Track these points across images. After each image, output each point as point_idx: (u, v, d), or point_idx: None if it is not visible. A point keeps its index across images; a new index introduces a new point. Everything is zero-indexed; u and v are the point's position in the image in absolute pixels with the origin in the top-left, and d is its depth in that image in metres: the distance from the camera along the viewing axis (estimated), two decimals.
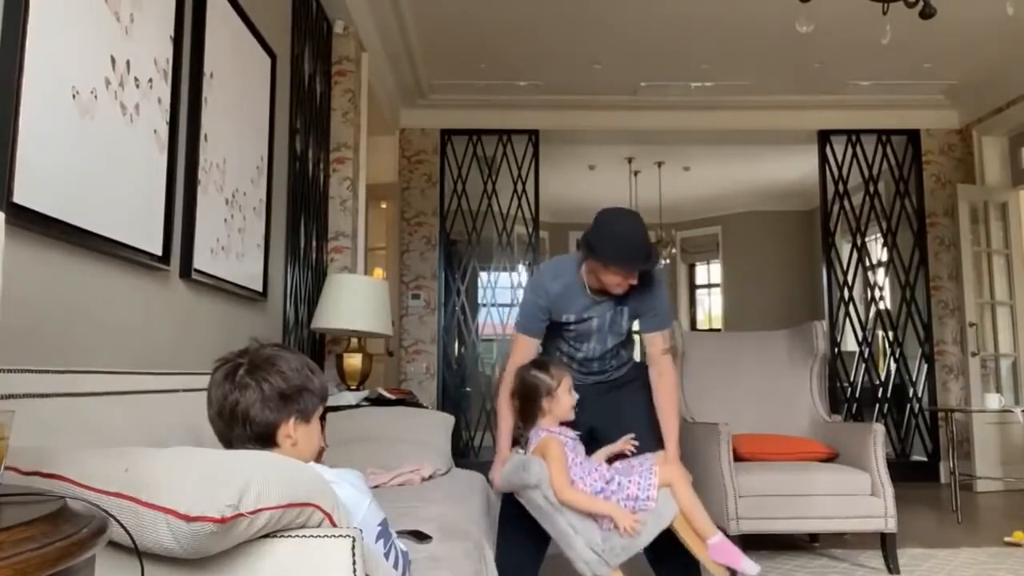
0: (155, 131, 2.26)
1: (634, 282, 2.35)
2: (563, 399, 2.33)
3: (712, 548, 2.27)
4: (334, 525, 1.23)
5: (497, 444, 2.49)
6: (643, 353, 2.61)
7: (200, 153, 2.55)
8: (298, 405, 1.45)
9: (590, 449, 2.53)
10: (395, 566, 1.40)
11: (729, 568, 2.30)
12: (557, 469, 2.21)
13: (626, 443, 2.42)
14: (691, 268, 10.92)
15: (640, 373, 2.66)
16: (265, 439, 1.43)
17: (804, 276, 9.34)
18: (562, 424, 2.35)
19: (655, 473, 2.26)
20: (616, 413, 2.60)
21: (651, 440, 2.55)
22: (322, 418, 1.52)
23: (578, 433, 2.38)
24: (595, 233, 2.35)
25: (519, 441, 2.42)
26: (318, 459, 1.51)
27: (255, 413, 1.41)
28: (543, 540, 2.51)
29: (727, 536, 2.34)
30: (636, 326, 2.61)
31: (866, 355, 6.35)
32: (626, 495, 2.24)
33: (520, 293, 6.54)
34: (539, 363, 2.40)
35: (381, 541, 1.40)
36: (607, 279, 2.35)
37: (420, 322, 6.36)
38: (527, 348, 2.50)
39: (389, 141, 6.30)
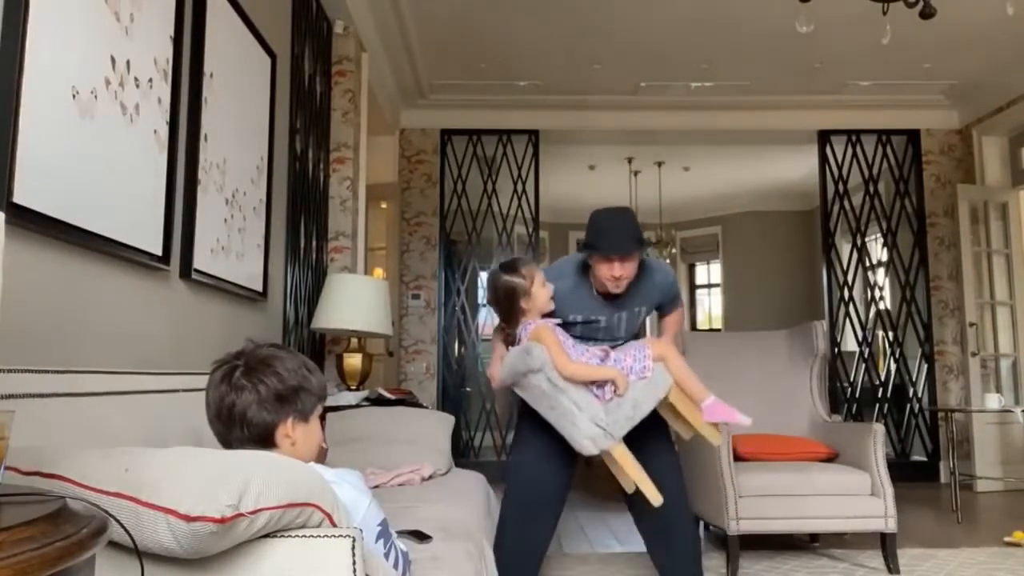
0: (155, 131, 2.26)
1: (627, 274, 2.35)
2: (539, 294, 2.37)
3: (707, 410, 2.35)
4: (334, 525, 1.23)
5: (494, 349, 2.53)
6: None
7: (200, 153, 2.55)
8: (296, 405, 1.45)
9: None
10: (395, 566, 1.40)
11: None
12: (556, 349, 2.27)
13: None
14: (691, 268, 10.93)
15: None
16: (264, 440, 1.43)
17: (804, 276, 9.34)
18: (544, 316, 2.40)
19: (649, 346, 2.35)
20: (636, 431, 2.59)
21: (672, 465, 2.55)
22: (322, 418, 1.52)
23: (559, 320, 2.43)
24: (588, 231, 2.42)
25: (510, 343, 2.46)
26: (321, 460, 1.51)
27: (252, 414, 1.41)
28: (543, 540, 2.51)
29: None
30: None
31: (866, 355, 6.35)
32: (622, 368, 2.30)
33: None
34: (507, 266, 2.44)
35: (381, 541, 1.40)
36: (602, 274, 2.37)
37: (420, 322, 6.36)
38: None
39: (389, 141, 6.29)
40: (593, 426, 2.21)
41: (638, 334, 2.69)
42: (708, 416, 2.35)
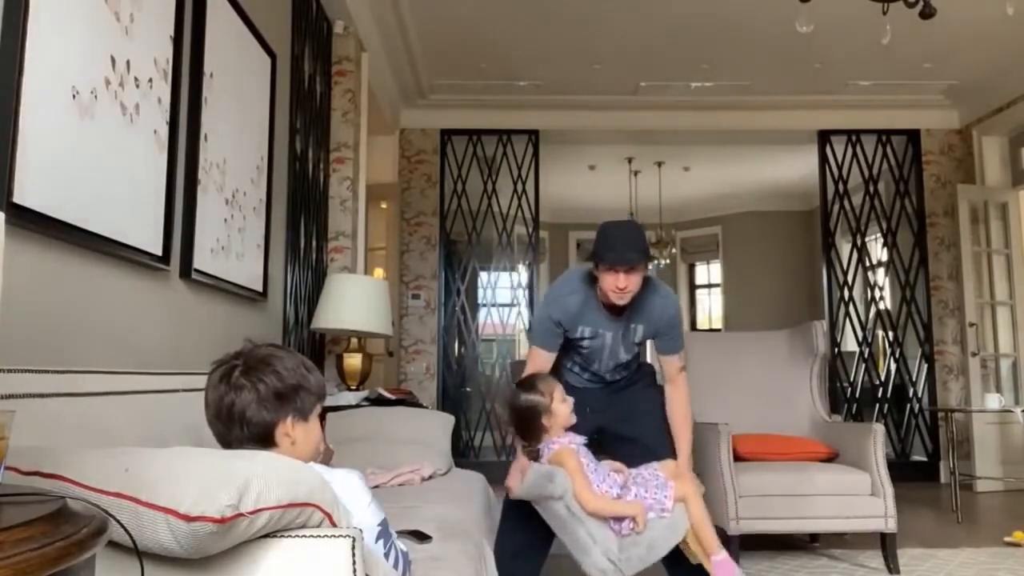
0: (155, 131, 2.26)
1: (631, 286, 2.36)
2: (560, 410, 2.33)
3: (716, 565, 2.30)
4: (334, 525, 1.23)
5: (516, 458, 2.49)
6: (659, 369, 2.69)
7: (200, 153, 2.55)
8: (295, 404, 1.45)
9: (598, 447, 2.56)
10: (395, 566, 1.40)
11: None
12: (579, 480, 2.22)
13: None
14: (691, 268, 10.93)
15: (648, 370, 2.69)
16: (263, 439, 1.43)
17: (804, 276, 9.34)
18: (567, 431, 2.36)
19: (671, 487, 2.29)
20: (626, 408, 2.62)
21: (660, 436, 2.57)
22: (321, 418, 1.52)
23: (584, 439, 2.38)
24: (595, 242, 2.42)
25: (532, 456, 2.41)
26: (327, 461, 1.51)
27: (252, 414, 1.41)
28: (545, 542, 2.51)
29: (727, 550, 2.37)
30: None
31: (866, 355, 6.35)
32: (638, 497, 2.26)
33: (520, 293, 6.54)
34: (526, 384, 2.39)
35: (381, 541, 1.40)
36: (607, 284, 2.37)
37: (420, 322, 6.36)
38: (541, 360, 2.52)
39: (389, 141, 6.29)
40: (605, 560, 2.19)
41: (638, 364, 2.69)
42: (715, 570, 2.30)
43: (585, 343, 2.53)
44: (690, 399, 2.66)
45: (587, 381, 2.62)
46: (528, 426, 2.34)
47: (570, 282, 2.55)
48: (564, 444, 2.30)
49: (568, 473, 2.23)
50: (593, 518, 2.21)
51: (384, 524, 1.41)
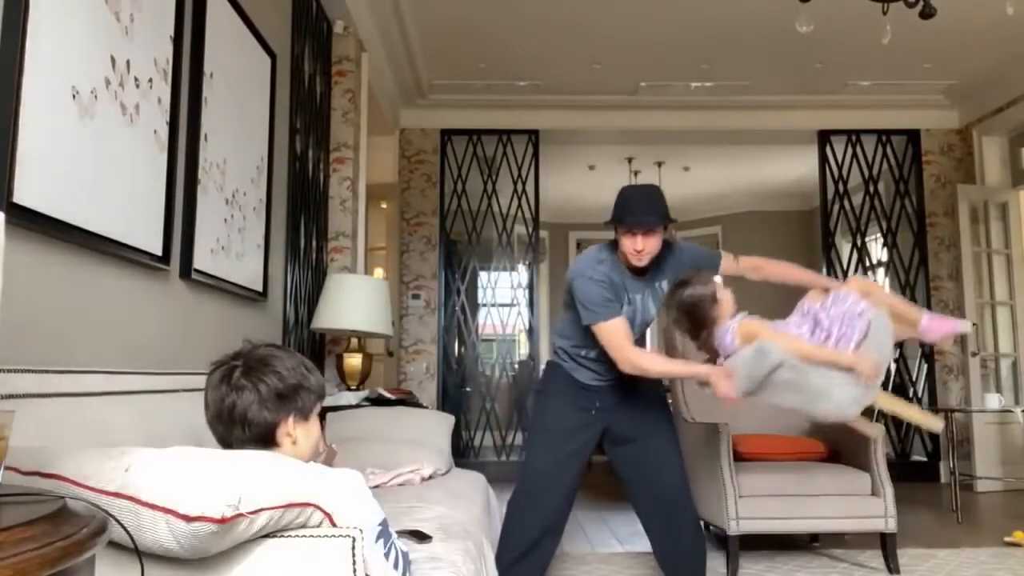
0: (155, 131, 2.26)
1: (648, 248, 2.36)
2: (724, 296, 2.31)
3: (924, 330, 2.30)
4: (334, 525, 1.23)
5: (692, 372, 2.40)
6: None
7: (200, 153, 2.55)
8: (296, 404, 1.45)
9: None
10: (395, 566, 1.40)
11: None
12: (784, 337, 2.19)
13: None
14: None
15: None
16: (265, 439, 1.43)
17: None
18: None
19: (850, 294, 2.26)
20: (635, 408, 2.58)
21: (674, 452, 2.56)
22: (321, 417, 1.52)
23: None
24: (615, 205, 2.42)
25: (712, 352, 2.34)
26: (329, 462, 1.51)
27: (253, 414, 1.41)
28: (551, 541, 2.52)
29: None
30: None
31: None
32: (836, 316, 2.22)
33: (520, 293, 6.54)
34: (683, 282, 2.36)
35: (381, 541, 1.39)
36: (625, 246, 2.38)
37: (420, 322, 6.36)
38: (624, 328, 2.39)
39: (389, 141, 6.29)
40: (852, 389, 2.13)
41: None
42: (928, 335, 2.30)
43: (625, 314, 2.47)
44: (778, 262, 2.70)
45: (597, 378, 2.58)
46: (699, 319, 2.30)
47: (593, 255, 2.51)
48: (745, 320, 2.27)
49: (769, 337, 2.19)
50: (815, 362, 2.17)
51: (384, 524, 1.41)
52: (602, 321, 2.37)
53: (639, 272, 2.47)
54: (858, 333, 2.19)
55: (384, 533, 1.39)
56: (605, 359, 2.47)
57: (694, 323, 2.33)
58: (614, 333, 2.36)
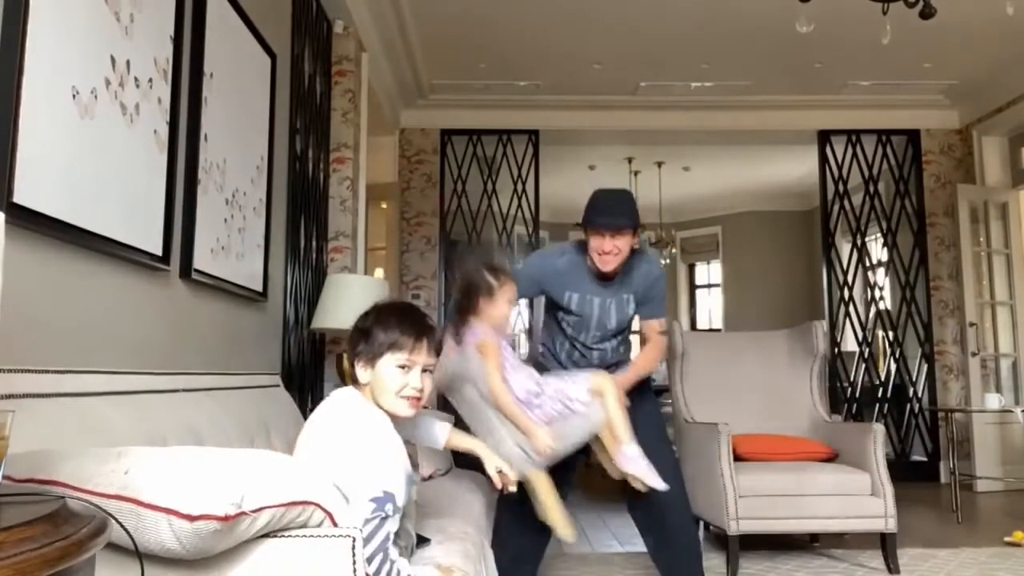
0: (155, 131, 2.26)
1: (616, 250, 2.39)
2: (500, 304, 2.27)
3: (624, 456, 2.28)
4: (335, 524, 1.23)
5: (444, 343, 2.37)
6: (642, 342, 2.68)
7: (200, 153, 2.55)
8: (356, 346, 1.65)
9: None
10: (367, 540, 1.38)
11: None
12: (492, 368, 2.19)
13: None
14: (691, 268, 10.92)
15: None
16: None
17: (804, 276, 9.33)
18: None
19: (587, 380, 2.28)
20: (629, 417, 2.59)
21: (665, 451, 2.56)
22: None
23: (509, 340, 2.40)
24: (586, 207, 2.47)
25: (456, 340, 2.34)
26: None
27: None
28: (542, 544, 2.51)
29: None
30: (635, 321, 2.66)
31: (866, 355, 6.35)
32: (556, 390, 2.24)
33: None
34: (490, 265, 2.33)
35: (374, 505, 1.40)
36: (593, 247, 2.41)
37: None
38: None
39: (389, 141, 6.29)
40: (517, 449, 2.14)
41: (627, 334, 2.70)
42: (622, 462, 2.28)
43: (573, 309, 2.53)
44: (661, 353, 2.69)
45: (578, 363, 2.61)
46: (468, 297, 2.27)
47: (561, 247, 2.60)
48: (490, 337, 2.25)
49: (487, 359, 2.19)
50: None
51: (386, 498, 1.41)
52: None
53: (604, 277, 2.49)
54: (556, 413, 2.21)
55: (381, 503, 1.39)
56: (578, 336, 2.56)
57: (463, 297, 2.30)
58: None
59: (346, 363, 1.62)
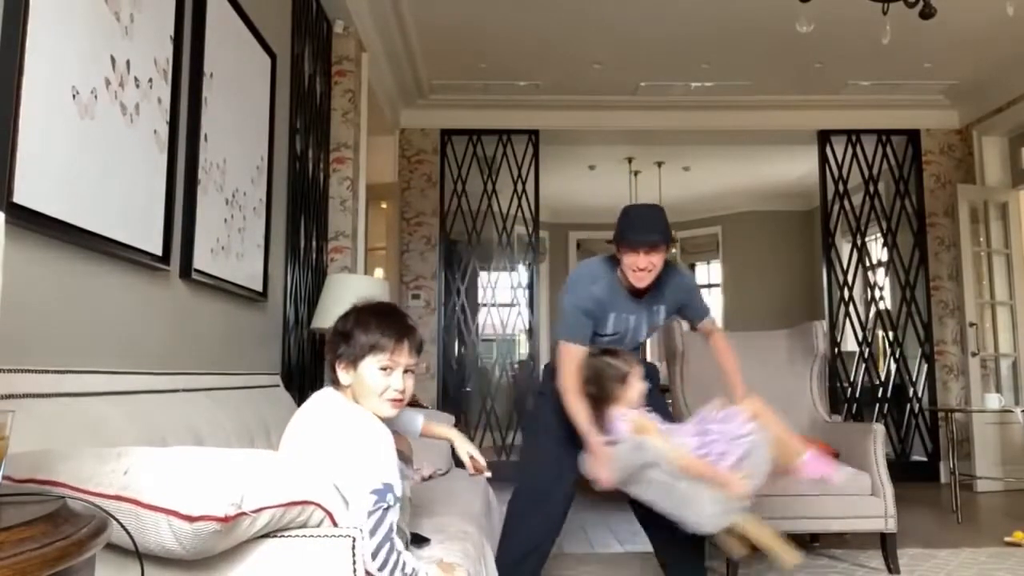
0: (155, 131, 2.26)
1: (652, 266, 2.39)
2: (635, 385, 2.37)
3: (802, 465, 2.36)
4: (335, 524, 1.23)
5: (588, 437, 2.36)
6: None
7: (200, 153, 2.55)
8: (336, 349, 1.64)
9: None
10: (372, 532, 1.38)
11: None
12: (667, 442, 2.24)
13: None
14: (691, 268, 10.92)
15: (652, 371, 2.71)
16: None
17: (804, 276, 9.33)
18: None
19: (741, 412, 2.32)
20: None
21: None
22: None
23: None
24: (618, 223, 2.46)
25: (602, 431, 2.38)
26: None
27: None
28: (547, 546, 2.51)
29: None
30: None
31: (866, 355, 6.35)
32: (719, 433, 2.27)
33: (520, 293, 6.54)
34: (610, 351, 2.43)
35: (375, 497, 1.41)
36: (627, 264, 2.41)
37: (420, 322, 6.30)
38: (578, 355, 2.45)
39: (389, 141, 6.29)
40: (715, 506, 2.19)
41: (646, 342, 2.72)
42: (806, 470, 2.36)
43: (609, 331, 2.52)
44: (730, 346, 2.72)
45: None
46: (604, 390, 2.36)
47: (591, 270, 2.55)
48: (640, 416, 2.32)
49: (651, 437, 2.24)
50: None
51: (387, 489, 1.42)
52: (565, 341, 2.46)
53: (636, 292, 2.48)
54: (736, 454, 2.24)
55: (382, 494, 1.39)
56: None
57: (597, 391, 2.39)
58: (570, 357, 2.44)
59: (327, 366, 1.62)
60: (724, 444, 2.25)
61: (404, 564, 1.39)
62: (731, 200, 9.70)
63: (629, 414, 2.33)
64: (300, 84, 3.80)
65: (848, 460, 3.49)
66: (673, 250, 2.54)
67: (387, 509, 1.40)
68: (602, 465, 2.28)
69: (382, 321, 1.59)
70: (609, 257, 2.53)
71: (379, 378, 1.55)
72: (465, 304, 6.49)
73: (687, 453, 2.23)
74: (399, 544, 1.42)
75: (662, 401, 2.71)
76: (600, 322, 2.51)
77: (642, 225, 2.39)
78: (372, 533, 1.36)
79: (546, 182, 6.71)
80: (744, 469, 2.22)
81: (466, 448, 1.96)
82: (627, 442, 2.27)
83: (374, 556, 1.35)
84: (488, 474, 1.97)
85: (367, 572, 1.32)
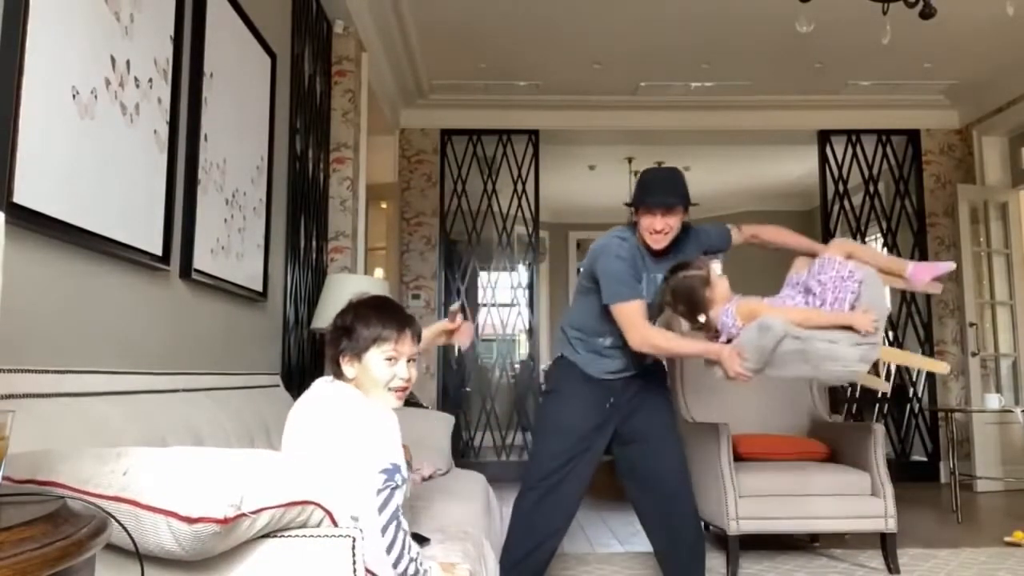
0: (155, 131, 2.26)
1: (668, 228, 2.40)
2: (718, 282, 2.36)
3: (911, 277, 2.41)
4: (335, 524, 1.23)
5: (709, 352, 2.32)
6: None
7: (200, 153, 2.55)
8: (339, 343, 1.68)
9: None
10: (380, 510, 1.41)
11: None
12: (779, 311, 2.25)
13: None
14: None
15: (659, 368, 2.70)
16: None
17: None
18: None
19: (836, 257, 2.32)
20: (642, 405, 2.58)
21: (678, 454, 2.56)
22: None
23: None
24: (636, 187, 2.48)
25: (714, 334, 2.36)
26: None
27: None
28: (551, 545, 2.51)
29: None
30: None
31: None
32: (826, 281, 2.28)
33: (520, 293, 6.54)
34: (678, 265, 2.41)
35: (384, 476, 1.44)
36: (644, 226, 2.41)
37: (420, 322, 6.32)
38: (642, 309, 2.40)
39: (389, 141, 6.29)
40: (857, 347, 2.18)
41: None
42: (915, 280, 2.40)
43: (643, 293, 2.47)
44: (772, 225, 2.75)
45: (612, 370, 2.57)
46: (693, 300, 2.35)
47: (615, 236, 2.50)
48: (742, 300, 2.32)
49: (766, 313, 2.24)
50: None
51: (395, 469, 1.46)
52: (623, 302, 2.39)
53: (658, 254, 2.47)
54: (850, 295, 2.25)
55: (391, 473, 1.43)
56: (624, 345, 2.45)
57: (690, 305, 2.37)
58: (633, 313, 2.38)
59: (329, 361, 1.64)
60: (835, 291, 2.26)
61: (410, 546, 1.42)
62: (731, 200, 9.70)
63: (731, 306, 2.31)
64: (300, 84, 3.80)
65: (848, 460, 3.49)
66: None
67: (395, 489, 1.43)
68: (735, 363, 2.24)
69: (382, 314, 1.64)
70: (629, 225, 2.52)
71: (384, 368, 1.60)
72: (465, 304, 6.49)
73: (808, 311, 2.24)
74: (405, 524, 1.45)
75: (665, 402, 2.68)
76: (638, 279, 2.47)
77: (659, 188, 2.41)
78: (381, 510, 1.41)
79: (546, 182, 6.71)
80: (865, 305, 2.23)
81: (438, 326, 2.07)
82: (747, 329, 2.24)
83: (383, 532, 1.39)
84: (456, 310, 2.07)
85: (377, 552, 1.38)
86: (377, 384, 1.60)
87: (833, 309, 2.24)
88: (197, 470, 1.08)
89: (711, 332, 2.38)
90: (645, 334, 2.36)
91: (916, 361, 2.35)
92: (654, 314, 2.54)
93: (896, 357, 2.34)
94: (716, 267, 2.39)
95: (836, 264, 2.29)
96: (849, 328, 2.19)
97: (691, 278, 2.35)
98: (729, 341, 2.29)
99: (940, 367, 2.35)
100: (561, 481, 2.50)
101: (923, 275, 2.41)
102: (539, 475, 2.53)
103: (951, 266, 2.47)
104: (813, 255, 2.44)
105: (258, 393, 2.68)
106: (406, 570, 1.41)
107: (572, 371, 2.58)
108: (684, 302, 2.37)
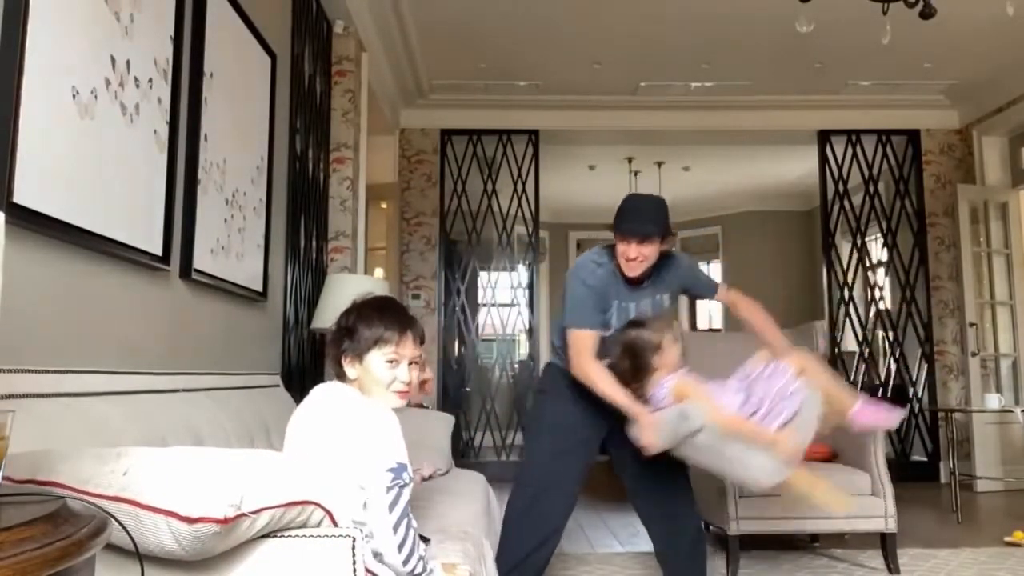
0: (155, 131, 2.26)
1: (643, 256, 2.38)
2: (670, 350, 2.35)
3: (854, 415, 2.35)
4: (335, 524, 1.23)
5: (629, 410, 2.33)
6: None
7: (200, 153, 2.55)
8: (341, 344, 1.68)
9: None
10: (390, 508, 1.42)
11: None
12: (710, 405, 2.22)
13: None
14: None
15: None
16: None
17: (804, 276, 9.33)
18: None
19: (787, 368, 2.30)
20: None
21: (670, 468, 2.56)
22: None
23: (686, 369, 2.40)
24: (616, 212, 2.45)
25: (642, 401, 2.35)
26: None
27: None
28: (549, 547, 2.51)
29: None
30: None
31: (866, 355, 6.35)
32: (765, 390, 2.25)
33: (520, 293, 6.54)
34: (636, 323, 2.42)
35: (391, 475, 1.45)
36: (620, 252, 2.40)
37: (420, 322, 6.33)
38: (591, 341, 2.42)
39: (389, 141, 6.29)
40: (768, 461, 2.18)
41: None
42: (860, 419, 2.34)
43: (613, 322, 2.49)
44: (758, 305, 2.72)
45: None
46: (639, 362, 2.35)
47: (592, 258, 2.53)
48: (678, 378, 2.31)
49: (697, 400, 2.22)
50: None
51: (402, 467, 1.48)
52: (576, 328, 2.43)
53: (633, 282, 2.47)
54: (786, 412, 2.22)
55: (398, 472, 1.45)
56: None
57: (634, 365, 2.37)
58: (581, 341, 2.42)
59: (330, 361, 1.64)
60: (772, 402, 2.23)
61: (419, 545, 1.45)
62: (731, 200, 9.70)
63: (669, 381, 2.31)
64: (300, 84, 3.80)
65: (848, 460, 3.49)
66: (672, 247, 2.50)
67: (403, 487, 1.44)
68: (649, 433, 2.25)
69: (384, 315, 1.63)
70: (610, 246, 2.52)
71: (385, 370, 1.60)
72: (465, 304, 6.49)
73: (733, 415, 2.21)
74: (415, 522, 1.47)
75: None
76: (605, 311, 2.48)
77: (637, 215, 2.39)
78: (392, 508, 1.43)
79: (546, 182, 6.71)
80: (795, 428, 2.21)
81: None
82: (671, 410, 2.25)
83: (395, 530, 1.40)
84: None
85: (389, 550, 1.41)
86: (378, 386, 1.60)
87: (765, 420, 2.21)
88: (197, 470, 1.08)
89: (642, 397, 2.36)
90: (585, 366, 2.39)
91: (820, 493, 2.32)
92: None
93: (804, 485, 2.29)
94: (676, 329, 2.37)
95: (787, 376, 2.27)
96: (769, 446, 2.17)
97: (644, 340, 2.35)
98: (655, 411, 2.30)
99: (842, 507, 2.27)
100: (556, 478, 2.49)
101: (866, 418, 2.36)
102: (534, 473, 2.53)
103: (895, 423, 2.41)
104: (777, 352, 2.43)
105: (258, 393, 2.68)
106: (415, 568, 1.42)
107: (560, 374, 2.60)
108: (630, 360, 2.37)
